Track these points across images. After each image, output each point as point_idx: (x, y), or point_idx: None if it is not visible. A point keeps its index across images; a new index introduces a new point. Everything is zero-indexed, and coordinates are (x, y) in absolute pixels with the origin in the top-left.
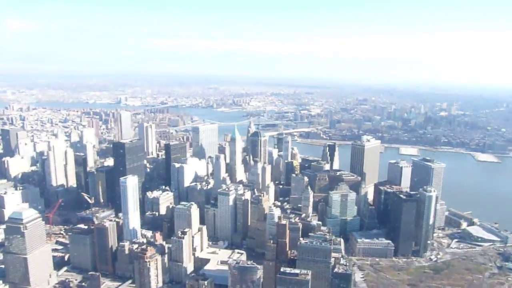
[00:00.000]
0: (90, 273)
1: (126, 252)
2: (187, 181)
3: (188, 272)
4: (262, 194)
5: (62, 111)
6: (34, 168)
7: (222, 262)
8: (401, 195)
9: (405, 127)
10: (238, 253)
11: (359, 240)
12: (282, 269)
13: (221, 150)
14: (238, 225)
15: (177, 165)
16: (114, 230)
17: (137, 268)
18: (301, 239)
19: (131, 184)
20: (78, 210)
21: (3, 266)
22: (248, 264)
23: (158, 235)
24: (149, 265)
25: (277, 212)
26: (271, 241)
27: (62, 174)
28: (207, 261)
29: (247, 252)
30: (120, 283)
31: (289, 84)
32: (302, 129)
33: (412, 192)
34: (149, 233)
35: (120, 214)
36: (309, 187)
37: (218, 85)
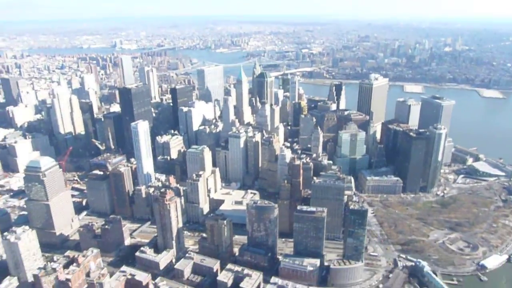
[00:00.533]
0: (112, 216)
1: (143, 195)
2: (196, 125)
3: (204, 212)
4: (272, 136)
5: (57, 57)
6: (38, 116)
7: (237, 202)
8: (411, 133)
9: (410, 64)
10: (251, 193)
11: (368, 178)
12: (298, 207)
13: (227, 92)
14: (249, 166)
15: (185, 109)
16: (129, 175)
17: (157, 211)
18: (314, 178)
19: (143, 129)
20: (87, 156)
21: (25, 212)
22: (265, 204)
23: (172, 179)
24: (169, 207)
25: (288, 153)
26: (285, 181)
27: (68, 122)
28: (221, 201)
29: (259, 192)
30: (139, 225)
31: (288, 22)
32: (304, 69)
33: (421, 130)
34: (162, 177)
35: (132, 159)
36: (318, 128)
37: (214, 25)
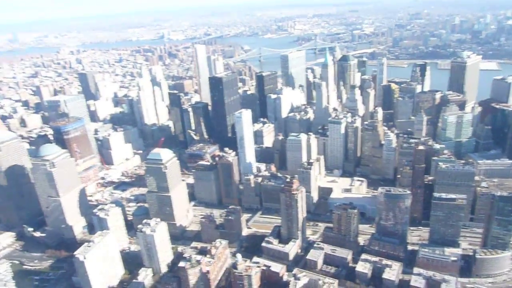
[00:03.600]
0: (231, 207)
1: (252, 185)
2: (284, 112)
3: (314, 201)
4: (377, 120)
5: (111, 51)
6: (118, 109)
7: (345, 190)
8: None
9: (476, 40)
10: (358, 180)
11: (479, 161)
12: (436, 195)
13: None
14: (349, 153)
15: (273, 96)
16: (237, 165)
17: (283, 201)
18: (440, 164)
19: (247, 118)
20: (174, 147)
21: (133, 204)
22: (399, 191)
23: (273, 167)
24: (297, 197)
25: (394, 138)
26: (407, 167)
27: (152, 113)
28: (329, 189)
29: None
30: (250, 215)
31: (328, 3)
32: (363, 50)
33: None
34: (262, 166)
35: (226, 149)
36: (422, 110)
37: (253, 11)
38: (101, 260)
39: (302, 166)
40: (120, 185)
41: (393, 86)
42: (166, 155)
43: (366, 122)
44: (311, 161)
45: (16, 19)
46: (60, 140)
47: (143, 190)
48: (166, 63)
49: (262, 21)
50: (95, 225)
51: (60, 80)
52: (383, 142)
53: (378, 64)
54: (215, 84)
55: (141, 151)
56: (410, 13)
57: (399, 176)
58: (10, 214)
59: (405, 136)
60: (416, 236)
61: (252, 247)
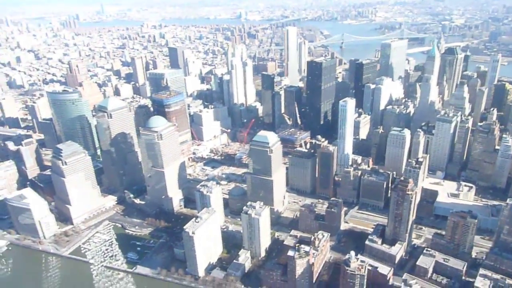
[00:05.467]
0: (333, 199)
1: (351, 178)
2: (382, 104)
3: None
4: (494, 123)
5: (191, 28)
6: (204, 85)
7: (453, 195)
8: None
9: None
10: (465, 186)
11: None
12: None
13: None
14: (456, 155)
15: (372, 86)
16: (336, 155)
17: (394, 200)
18: None
19: (351, 107)
20: (260, 129)
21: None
22: None
23: (371, 161)
24: (411, 198)
25: None
26: None
27: (242, 93)
28: (433, 192)
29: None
30: (346, 208)
31: None
32: (456, 44)
33: None
34: (359, 158)
35: (319, 137)
36: None
37: None
38: (206, 236)
39: (409, 165)
40: (210, 162)
41: (508, 86)
42: (272, 138)
43: (480, 124)
44: (420, 159)
45: None
46: (161, 112)
47: (233, 169)
48: (246, 43)
49: (340, 5)
50: (196, 200)
51: (145, 53)
52: (497, 147)
53: (491, 60)
54: (314, 69)
55: (229, 130)
56: (506, 5)
57: None
58: (113, 178)
59: None
60: None
61: (350, 242)
